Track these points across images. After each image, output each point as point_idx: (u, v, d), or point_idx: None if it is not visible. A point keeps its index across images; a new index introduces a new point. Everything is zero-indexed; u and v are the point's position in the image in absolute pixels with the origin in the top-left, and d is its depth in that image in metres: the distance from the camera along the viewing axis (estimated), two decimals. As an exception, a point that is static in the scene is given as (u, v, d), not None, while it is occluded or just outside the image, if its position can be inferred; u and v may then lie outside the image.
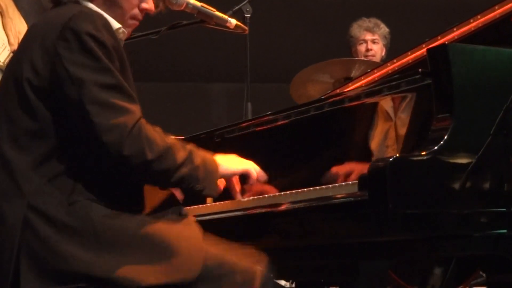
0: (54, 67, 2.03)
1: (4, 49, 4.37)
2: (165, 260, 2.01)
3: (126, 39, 2.32)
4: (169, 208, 2.19)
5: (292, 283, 3.31)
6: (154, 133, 2.08)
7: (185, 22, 2.75)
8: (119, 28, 2.21)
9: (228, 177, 2.28)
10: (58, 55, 2.03)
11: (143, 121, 2.06)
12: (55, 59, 2.03)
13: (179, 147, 2.12)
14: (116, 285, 1.98)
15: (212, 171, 2.18)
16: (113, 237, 2.01)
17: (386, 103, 2.27)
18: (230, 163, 2.26)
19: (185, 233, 2.10)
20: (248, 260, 2.08)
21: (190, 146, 2.17)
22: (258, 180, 2.30)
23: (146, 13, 2.32)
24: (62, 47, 2.02)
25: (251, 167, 2.29)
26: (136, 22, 2.32)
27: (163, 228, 2.07)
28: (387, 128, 2.27)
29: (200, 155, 2.17)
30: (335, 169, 2.35)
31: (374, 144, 2.33)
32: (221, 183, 2.28)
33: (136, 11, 2.28)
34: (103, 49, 2.04)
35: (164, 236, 2.06)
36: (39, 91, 2.06)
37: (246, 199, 2.36)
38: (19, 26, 4.43)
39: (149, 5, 2.29)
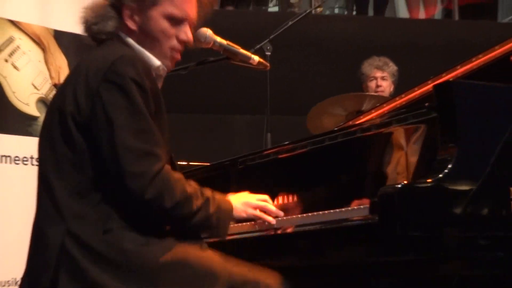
0: (94, 106, 2.03)
1: (46, 82, 4.41)
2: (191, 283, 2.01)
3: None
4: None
5: None
6: (175, 181, 2.08)
7: (212, 58, 2.75)
8: (159, 66, 2.21)
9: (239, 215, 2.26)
10: (99, 95, 2.03)
11: (166, 168, 2.06)
12: (96, 99, 2.03)
13: (197, 196, 2.11)
14: None
15: (224, 219, 2.17)
16: (143, 266, 2.00)
17: (399, 134, 2.27)
18: (245, 205, 2.24)
19: (207, 257, 2.10)
20: (268, 278, 2.07)
21: (208, 193, 2.16)
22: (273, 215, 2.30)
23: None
24: (104, 89, 2.03)
25: (263, 204, 2.27)
26: (177, 55, 2.29)
27: (189, 255, 2.07)
28: (399, 156, 2.27)
29: (216, 202, 2.16)
30: (348, 194, 2.35)
31: (386, 171, 2.33)
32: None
33: (174, 42, 2.25)
34: (141, 93, 2.04)
35: (190, 263, 2.05)
36: (80, 126, 2.06)
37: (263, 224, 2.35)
38: (60, 61, 4.46)
39: (187, 36, 2.27)
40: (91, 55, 2.24)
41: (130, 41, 2.23)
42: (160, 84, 2.23)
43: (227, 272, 2.05)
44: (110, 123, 2.01)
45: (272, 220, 2.28)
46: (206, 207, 2.11)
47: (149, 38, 2.23)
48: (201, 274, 2.03)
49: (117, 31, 2.23)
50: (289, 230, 2.24)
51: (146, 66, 2.13)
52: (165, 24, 2.22)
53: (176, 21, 2.23)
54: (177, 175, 2.10)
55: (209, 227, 2.15)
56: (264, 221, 2.30)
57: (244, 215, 2.23)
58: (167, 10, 2.21)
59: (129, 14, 2.22)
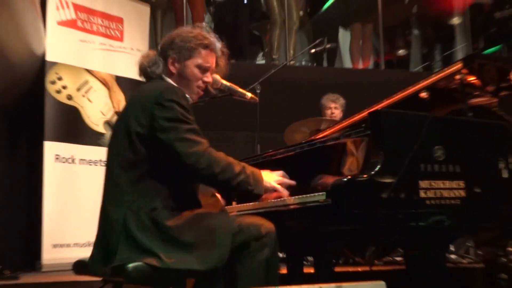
0: (152, 122, 2.04)
1: (110, 110, 4.43)
2: (213, 249, 1.98)
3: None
4: (215, 209, 2.17)
5: (284, 254, 3.25)
6: (219, 155, 2.07)
7: (220, 95, 2.75)
8: (188, 98, 2.19)
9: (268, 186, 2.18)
10: (154, 114, 2.04)
11: (210, 148, 2.06)
12: (152, 117, 2.04)
13: (236, 163, 2.09)
14: (183, 272, 1.98)
15: (259, 180, 2.12)
16: (181, 237, 1.98)
17: (351, 144, 2.28)
18: (268, 176, 2.18)
19: (223, 220, 2.07)
20: (267, 223, 2.06)
21: (243, 163, 2.14)
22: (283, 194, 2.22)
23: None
24: (157, 109, 2.04)
25: (281, 180, 2.20)
26: (200, 91, 2.29)
27: (213, 221, 2.05)
28: (352, 159, 2.27)
29: (250, 169, 2.12)
30: (318, 184, 2.36)
31: (344, 169, 2.33)
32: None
33: (200, 83, 2.25)
34: (183, 109, 2.06)
35: (214, 228, 2.02)
36: (141, 137, 2.06)
37: (265, 201, 2.32)
38: (119, 96, 4.50)
39: (209, 80, 2.27)
40: (142, 88, 2.25)
41: (169, 80, 2.23)
42: None
43: (237, 222, 2.05)
44: (165, 129, 2.02)
45: (286, 193, 2.21)
46: (244, 172, 2.08)
47: (183, 79, 2.23)
48: (220, 231, 2.00)
49: (162, 73, 2.24)
50: (280, 207, 2.23)
51: (183, 92, 2.15)
52: (195, 71, 2.22)
53: (203, 69, 2.24)
54: (220, 152, 2.09)
55: (249, 184, 2.09)
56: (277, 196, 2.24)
57: (268, 185, 2.15)
58: (198, 62, 2.22)
59: (171, 62, 2.22)
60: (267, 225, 2.05)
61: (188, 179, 2.12)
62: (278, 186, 2.19)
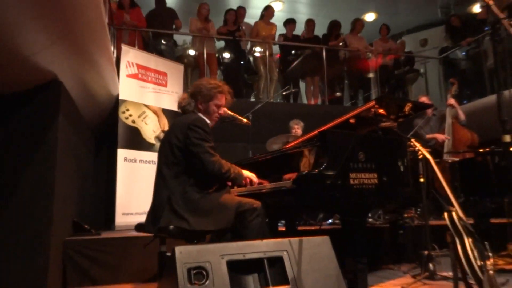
0: (186, 139, 2.03)
1: (158, 130, 4.38)
2: (223, 215, 1.97)
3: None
4: (225, 188, 2.15)
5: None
6: (224, 163, 2.06)
7: (227, 120, 2.72)
8: (209, 123, 2.17)
9: (245, 177, 2.19)
10: (188, 135, 2.03)
11: (219, 158, 2.06)
12: (187, 136, 2.03)
13: (230, 166, 2.08)
14: (204, 231, 1.96)
15: (240, 176, 2.13)
16: (202, 208, 1.97)
17: (306, 151, 2.28)
18: (246, 173, 2.18)
19: (229, 197, 2.06)
20: (256, 202, 2.02)
21: (234, 166, 2.13)
22: (254, 183, 2.24)
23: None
24: (190, 132, 2.03)
25: (252, 175, 2.22)
26: (217, 119, 2.27)
27: (222, 198, 2.03)
28: (306, 161, 2.27)
29: (237, 169, 2.12)
30: (286, 176, 2.35)
31: (301, 167, 2.32)
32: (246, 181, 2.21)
33: (216, 115, 2.24)
34: (206, 133, 2.04)
35: (222, 199, 2.02)
36: (179, 148, 2.05)
37: (251, 187, 2.31)
38: (164, 121, 4.44)
39: (221, 111, 2.26)
40: (180, 118, 2.22)
41: (199, 113, 2.21)
42: None
43: (238, 199, 2.02)
44: (195, 145, 2.01)
45: (256, 184, 2.22)
46: (234, 171, 2.08)
47: (207, 113, 2.22)
48: (226, 204, 2.00)
49: (193, 109, 2.23)
50: (264, 190, 2.21)
51: (206, 122, 2.13)
52: (214, 108, 2.22)
53: (218, 106, 2.23)
54: (224, 160, 2.08)
55: (236, 179, 2.10)
56: (252, 184, 2.23)
57: (245, 176, 2.17)
58: (215, 103, 2.22)
59: (199, 102, 2.21)
60: (258, 202, 2.04)
61: (207, 174, 2.10)
62: (250, 175, 2.20)
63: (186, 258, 1.58)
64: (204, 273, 1.58)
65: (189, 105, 2.23)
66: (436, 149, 4.28)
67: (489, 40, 5.58)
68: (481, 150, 3.23)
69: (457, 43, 6.26)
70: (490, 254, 2.00)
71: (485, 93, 5.63)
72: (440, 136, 4.34)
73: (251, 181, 2.20)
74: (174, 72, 4.72)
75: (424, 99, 4.63)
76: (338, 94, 6.48)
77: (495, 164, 3.00)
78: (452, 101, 4.41)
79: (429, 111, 4.63)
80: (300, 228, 3.50)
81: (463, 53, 6.34)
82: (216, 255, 1.63)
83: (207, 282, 1.56)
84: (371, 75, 6.75)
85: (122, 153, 4.05)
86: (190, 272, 1.56)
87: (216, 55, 5.87)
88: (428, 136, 4.48)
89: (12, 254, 2.30)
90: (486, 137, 4.30)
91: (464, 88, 5.85)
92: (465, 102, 5.68)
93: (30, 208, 2.37)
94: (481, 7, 6.30)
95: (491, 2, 1.31)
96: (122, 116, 4.13)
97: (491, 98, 5.27)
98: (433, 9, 7.76)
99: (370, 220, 4.02)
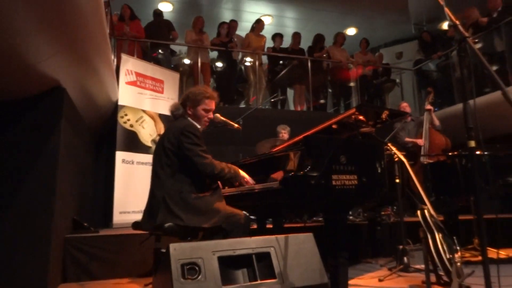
0: (179, 144, 2.01)
1: (154, 133, 4.34)
2: (214, 217, 1.95)
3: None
4: (217, 190, 2.13)
5: (255, 217, 3.22)
6: (218, 163, 2.04)
7: (219, 125, 2.70)
8: (199, 128, 2.16)
9: (243, 177, 2.18)
10: (180, 139, 2.01)
11: (212, 159, 2.04)
12: (179, 141, 2.02)
13: (225, 166, 2.07)
14: (197, 228, 1.95)
15: (237, 174, 2.12)
16: (196, 208, 1.96)
17: (292, 154, 2.26)
18: (242, 172, 2.17)
19: (222, 205, 2.04)
20: (240, 213, 2.02)
21: (230, 165, 2.12)
22: (249, 183, 2.23)
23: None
24: (182, 137, 2.01)
25: (247, 176, 2.21)
26: (206, 123, 2.25)
27: (216, 204, 2.02)
28: (292, 163, 2.26)
29: (233, 168, 2.11)
30: (274, 176, 2.34)
31: (288, 168, 2.32)
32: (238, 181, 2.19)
33: (206, 119, 2.22)
34: (196, 137, 2.02)
35: (215, 205, 2.00)
36: (171, 151, 2.03)
37: (242, 187, 2.29)
38: (160, 125, 4.40)
39: (210, 116, 2.24)
40: (173, 124, 2.21)
41: (189, 118, 2.19)
42: None
43: (225, 209, 2.01)
44: (188, 149, 2.00)
45: (250, 184, 2.21)
46: (229, 170, 2.07)
47: (196, 117, 2.20)
48: (218, 209, 1.99)
49: (183, 114, 2.21)
50: (250, 191, 2.20)
51: (196, 127, 2.11)
52: (203, 113, 2.21)
53: (207, 111, 2.22)
54: (217, 161, 2.06)
55: (231, 178, 2.10)
56: (246, 183, 2.22)
57: (241, 175, 2.16)
58: (204, 107, 2.20)
59: (188, 107, 2.20)
60: (242, 214, 2.01)
61: (200, 175, 2.08)
62: (246, 176, 2.19)
63: (179, 254, 1.58)
64: (197, 268, 1.57)
65: (178, 110, 2.21)
66: (414, 152, 4.38)
67: (456, 55, 5.71)
68: (450, 154, 3.29)
69: (429, 56, 6.38)
70: (458, 247, 2.05)
71: (454, 101, 5.74)
72: (420, 141, 4.44)
73: (246, 181, 2.20)
74: (170, 80, 4.69)
75: (405, 105, 4.78)
76: (322, 101, 6.52)
77: (462, 166, 3.05)
78: (429, 106, 4.53)
79: (409, 116, 4.75)
80: (286, 225, 3.51)
81: (435, 65, 6.47)
82: (208, 252, 1.62)
83: (199, 277, 1.55)
84: (352, 84, 6.82)
85: (120, 155, 4.00)
86: (183, 267, 1.55)
87: (210, 64, 5.86)
88: (408, 139, 4.57)
89: (15, 250, 2.27)
90: (456, 141, 4.39)
91: (435, 97, 5.96)
92: (436, 109, 5.78)
93: (32, 206, 2.34)
94: (449, 26, 6.44)
95: (457, 22, 1.37)
96: (120, 121, 4.08)
97: (459, 106, 5.38)
98: (407, 26, 7.91)
99: (351, 217, 4.04)
